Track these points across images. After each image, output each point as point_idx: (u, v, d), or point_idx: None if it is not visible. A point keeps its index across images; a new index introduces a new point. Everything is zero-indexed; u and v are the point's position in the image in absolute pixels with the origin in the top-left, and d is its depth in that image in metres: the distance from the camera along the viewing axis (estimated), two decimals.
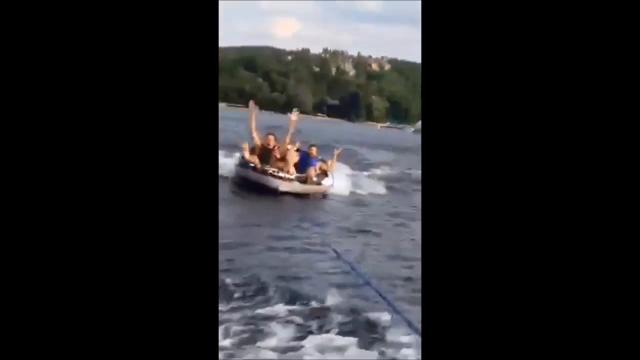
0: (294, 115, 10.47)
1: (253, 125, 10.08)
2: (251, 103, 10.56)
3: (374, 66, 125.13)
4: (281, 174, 9.53)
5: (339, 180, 10.67)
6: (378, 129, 65.62)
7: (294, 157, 10.03)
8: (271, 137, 9.95)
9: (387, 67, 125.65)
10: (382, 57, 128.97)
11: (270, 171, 9.49)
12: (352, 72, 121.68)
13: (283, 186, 9.39)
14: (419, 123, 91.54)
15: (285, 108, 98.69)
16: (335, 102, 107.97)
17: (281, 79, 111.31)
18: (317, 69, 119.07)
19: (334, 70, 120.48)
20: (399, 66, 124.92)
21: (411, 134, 63.99)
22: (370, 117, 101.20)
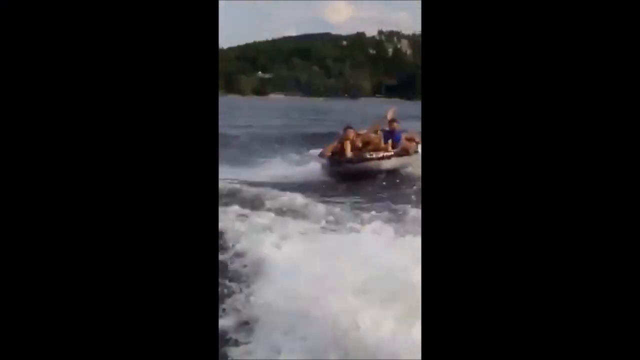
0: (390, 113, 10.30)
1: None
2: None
3: None
4: (380, 154, 9.14)
5: None
6: None
7: (377, 138, 9.66)
8: (350, 130, 9.64)
9: None
10: None
11: (367, 155, 9.12)
12: (408, 52, 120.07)
13: (385, 165, 9.02)
14: None
15: (344, 93, 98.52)
16: (393, 82, 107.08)
17: (337, 65, 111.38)
18: (372, 52, 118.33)
19: (390, 52, 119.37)
20: None
21: None
22: None
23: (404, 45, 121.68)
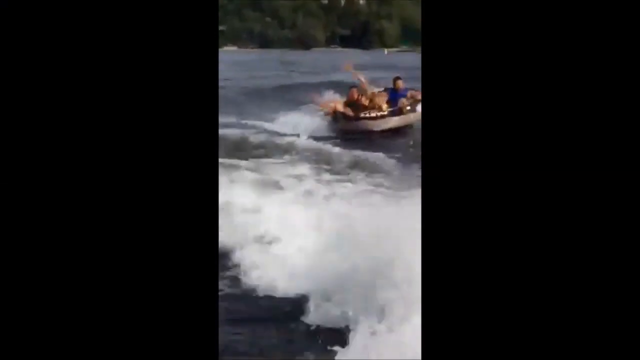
0: (359, 75, 10.47)
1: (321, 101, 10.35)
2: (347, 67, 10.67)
3: None
4: (373, 114, 9.57)
5: None
6: (386, 55, 65.15)
7: (382, 97, 10.03)
8: (354, 90, 10.10)
9: None
10: None
11: (362, 115, 9.55)
12: (361, 1, 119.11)
13: (378, 126, 9.38)
14: None
15: (298, 44, 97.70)
16: (347, 32, 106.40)
17: (291, 15, 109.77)
18: (325, 2, 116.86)
19: (343, 1, 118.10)
20: None
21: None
22: (383, 43, 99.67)
23: None
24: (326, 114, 9.97)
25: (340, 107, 9.89)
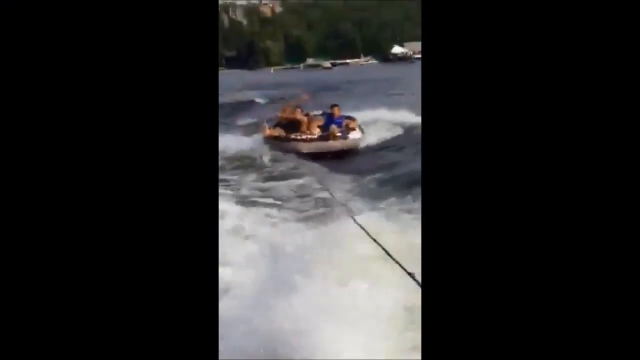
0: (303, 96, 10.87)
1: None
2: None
3: (266, 11, 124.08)
4: (303, 136, 9.68)
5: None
6: (272, 73, 66.36)
7: (317, 122, 10.11)
8: (287, 108, 10.35)
9: (278, 9, 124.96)
10: (272, 0, 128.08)
11: (292, 136, 9.71)
12: (244, 22, 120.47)
13: (304, 148, 9.42)
14: (310, 60, 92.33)
15: None
16: (233, 53, 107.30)
17: None
18: None
19: (226, 23, 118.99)
20: (291, 6, 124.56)
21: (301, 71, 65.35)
22: (269, 62, 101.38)
23: (239, 15, 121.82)
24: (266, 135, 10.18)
25: (273, 131, 10.12)
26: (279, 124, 10.33)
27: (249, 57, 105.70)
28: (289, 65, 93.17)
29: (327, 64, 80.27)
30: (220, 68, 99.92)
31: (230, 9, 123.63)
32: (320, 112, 10.68)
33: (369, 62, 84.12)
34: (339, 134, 9.78)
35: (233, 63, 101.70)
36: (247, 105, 19.81)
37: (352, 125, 10.20)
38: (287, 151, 9.48)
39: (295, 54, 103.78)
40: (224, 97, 22.32)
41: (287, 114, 10.40)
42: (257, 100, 21.65)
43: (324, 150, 9.46)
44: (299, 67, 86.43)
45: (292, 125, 10.11)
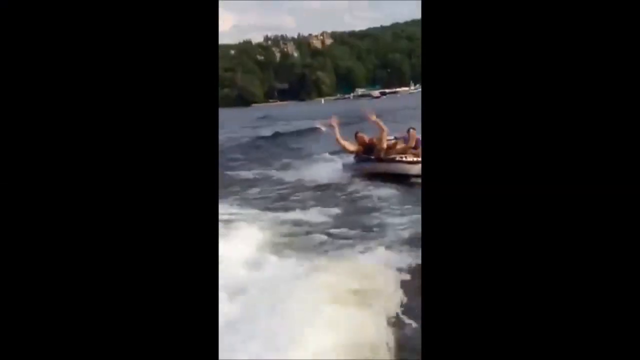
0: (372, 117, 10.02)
1: (338, 135, 9.86)
2: (333, 118, 10.13)
3: (316, 43, 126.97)
4: (410, 158, 9.10)
5: None
6: (322, 104, 67.75)
7: (400, 144, 9.63)
8: (361, 135, 9.82)
9: (328, 41, 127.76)
10: (323, 33, 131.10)
11: (397, 157, 9.10)
12: (296, 54, 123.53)
13: (415, 170, 8.84)
14: (359, 90, 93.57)
15: (238, 101, 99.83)
16: (285, 85, 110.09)
17: (228, 74, 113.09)
18: (261, 58, 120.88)
19: (278, 56, 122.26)
20: (340, 38, 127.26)
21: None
22: (320, 93, 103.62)
23: (290, 48, 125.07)
24: (353, 152, 9.77)
25: (356, 147, 9.65)
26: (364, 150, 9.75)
27: (301, 89, 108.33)
28: (339, 96, 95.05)
29: (376, 93, 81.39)
30: (272, 100, 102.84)
31: (281, 42, 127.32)
32: (392, 137, 10.17)
33: (418, 90, 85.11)
34: None
35: (285, 95, 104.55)
36: (310, 132, 20.90)
37: None
38: (387, 171, 9.01)
39: (345, 84, 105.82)
40: (287, 126, 23.41)
41: (365, 140, 9.83)
42: (320, 127, 22.74)
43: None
44: (349, 97, 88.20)
45: (375, 150, 9.55)
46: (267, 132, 22.47)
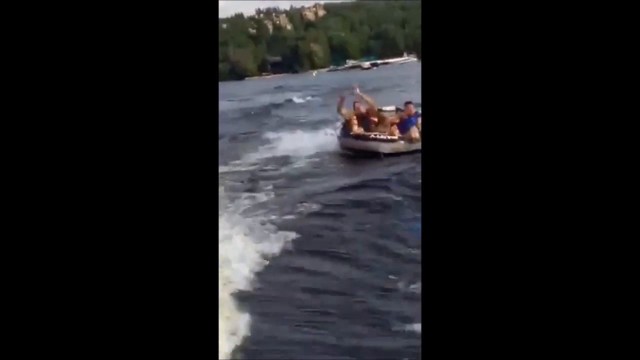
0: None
1: (343, 105, 9.99)
2: (355, 85, 10.32)
3: (309, 15, 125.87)
4: (383, 136, 9.27)
5: None
6: (314, 76, 67.31)
7: (392, 119, 9.67)
8: (359, 105, 9.86)
9: (321, 12, 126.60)
10: (316, 4, 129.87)
11: (372, 135, 9.29)
12: (289, 26, 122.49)
13: (387, 148, 9.09)
14: (350, 62, 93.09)
15: (232, 75, 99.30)
16: (278, 58, 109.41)
17: (221, 49, 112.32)
18: (253, 31, 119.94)
19: (270, 29, 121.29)
20: (334, 9, 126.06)
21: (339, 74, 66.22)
22: (313, 65, 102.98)
23: (283, 20, 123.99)
24: (345, 123, 9.87)
25: (354, 124, 9.67)
26: (358, 120, 9.78)
27: (294, 61, 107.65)
28: (331, 67, 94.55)
29: (367, 64, 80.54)
30: (265, 74, 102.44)
31: (273, 14, 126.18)
32: (393, 107, 10.25)
33: (409, 60, 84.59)
34: (419, 137, 9.13)
35: (278, 68, 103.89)
36: (283, 105, 21.20)
37: None
38: (362, 150, 9.18)
39: (339, 56, 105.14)
40: (261, 100, 23.73)
41: (360, 110, 9.87)
42: (295, 100, 23.14)
43: (401, 151, 9.10)
44: (339, 69, 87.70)
45: (367, 123, 9.70)
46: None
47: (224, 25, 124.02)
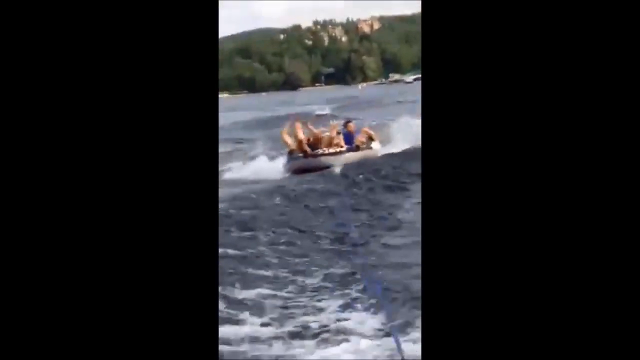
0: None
1: (285, 131, 10.40)
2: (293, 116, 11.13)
3: (365, 27, 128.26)
4: (331, 150, 9.68)
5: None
6: (359, 89, 68.31)
7: (337, 138, 10.08)
8: (298, 124, 10.23)
9: (376, 25, 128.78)
10: (371, 17, 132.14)
11: (320, 152, 9.66)
12: (344, 39, 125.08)
13: (337, 161, 9.46)
14: (395, 75, 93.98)
15: (285, 85, 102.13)
16: (331, 70, 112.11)
17: (277, 59, 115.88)
18: (309, 43, 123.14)
19: (326, 41, 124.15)
20: (388, 22, 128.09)
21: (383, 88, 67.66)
22: (366, 77, 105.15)
23: (339, 32, 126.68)
24: (290, 148, 10.21)
25: (293, 144, 10.01)
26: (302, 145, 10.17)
27: (347, 73, 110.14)
28: (378, 81, 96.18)
29: (410, 78, 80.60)
30: (318, 84, 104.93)
31: (329, 27, 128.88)
32: (328, 111, 11.22)
33: None
34: (364, 145, 10.06)
35: (331, 79, 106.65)
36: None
37: (370, 133, 10.66)
38: (316, 168, 9.47)
39: (392, 68, 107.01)
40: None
41: (300, 138, 10.17)
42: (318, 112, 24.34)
43: (356, 160, 9.56)
44: (385, 83, 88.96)
45: (310, 145, 10.08)
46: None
47: (282, 36, 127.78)
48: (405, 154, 9.76)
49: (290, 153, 10.05)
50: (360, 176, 8.16)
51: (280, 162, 10.27)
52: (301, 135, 10.04)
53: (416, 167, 7.85)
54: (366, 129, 10.92)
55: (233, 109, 35.61)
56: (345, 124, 10.75)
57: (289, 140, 10.21)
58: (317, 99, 38.70)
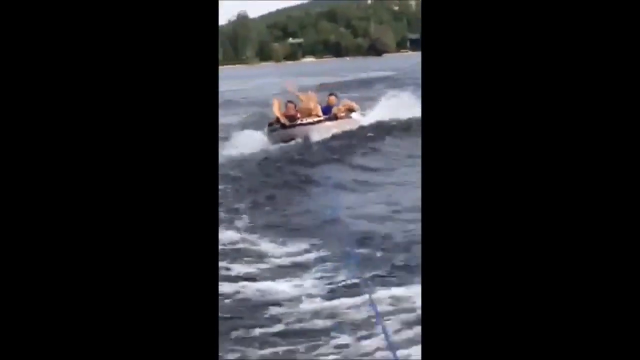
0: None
1: (276, 106, 10.72)
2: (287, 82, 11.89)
3: None
4: (309, 119, 9.95)
5: None
6: None
7: (315, 109, 10.40)
8: (290, 105, 10.56)
9: None
10: None
11: (298, 122, 9.97)
12: None
13: (314, 130, 9.75)
14: None
15: (370, 50, 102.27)
16: (417, 36, 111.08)
17: (363, 24, 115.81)
18: (396, 8, 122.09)
19: (413, 5, 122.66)
20: None
21: None
22: None
23: None
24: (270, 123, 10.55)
25: (279, 115, 10.35)
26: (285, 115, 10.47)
27: None
28: None
29: None
30: (403, 50, 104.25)
31: None
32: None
33: None
34: (343, 114, 10.44)
35: (417, 45, 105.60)
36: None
37: (350, 106, 11.07)
38: (291, 137, 9.84)
39: None
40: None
41: (290, 112, 10.53)
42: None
43: (337, 132, 9.98)
44: None
45: (292, 119, 10.38)
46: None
47: (368, 1, 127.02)
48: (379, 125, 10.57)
49: (270, 125, 10.58)
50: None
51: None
52: (277, 112, 10.54)
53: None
54: (347, 101, 11.53)
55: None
56: (328, 97, 11.33)
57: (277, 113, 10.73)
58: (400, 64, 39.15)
